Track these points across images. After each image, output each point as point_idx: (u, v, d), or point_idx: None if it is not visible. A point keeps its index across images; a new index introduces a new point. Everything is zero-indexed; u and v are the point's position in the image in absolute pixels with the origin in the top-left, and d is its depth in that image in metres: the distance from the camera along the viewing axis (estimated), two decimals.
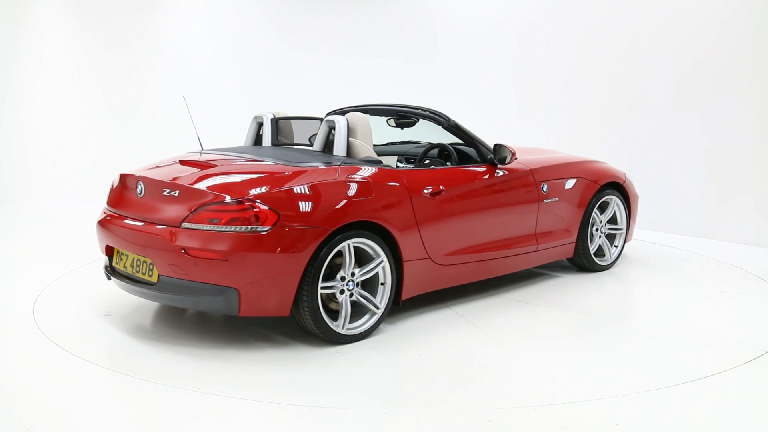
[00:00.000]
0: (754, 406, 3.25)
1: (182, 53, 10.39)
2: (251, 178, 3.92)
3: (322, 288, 3.81)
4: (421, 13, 9.12)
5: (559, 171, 5.20)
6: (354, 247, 3.94)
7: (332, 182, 3.91)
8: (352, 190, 3.95)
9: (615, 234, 5.61)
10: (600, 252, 5.52)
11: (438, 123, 4.76)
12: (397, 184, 4.17)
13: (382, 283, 4.08)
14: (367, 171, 4.12)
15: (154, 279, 3.86)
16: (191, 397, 3.29)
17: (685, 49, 6.84)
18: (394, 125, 5.11)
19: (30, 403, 3.25)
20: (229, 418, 3.09)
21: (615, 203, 5.51)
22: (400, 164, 5.27)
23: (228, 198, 3.69)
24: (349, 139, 4.28)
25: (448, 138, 5.07)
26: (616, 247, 5.61)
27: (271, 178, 3.87)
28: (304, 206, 3.76)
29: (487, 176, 4.72)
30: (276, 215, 3.67)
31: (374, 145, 5.69)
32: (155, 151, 8.09)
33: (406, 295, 4.25)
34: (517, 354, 3.86)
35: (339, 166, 4.08)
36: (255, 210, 3.65)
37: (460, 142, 4.99)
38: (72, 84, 9.57)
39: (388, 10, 9.38)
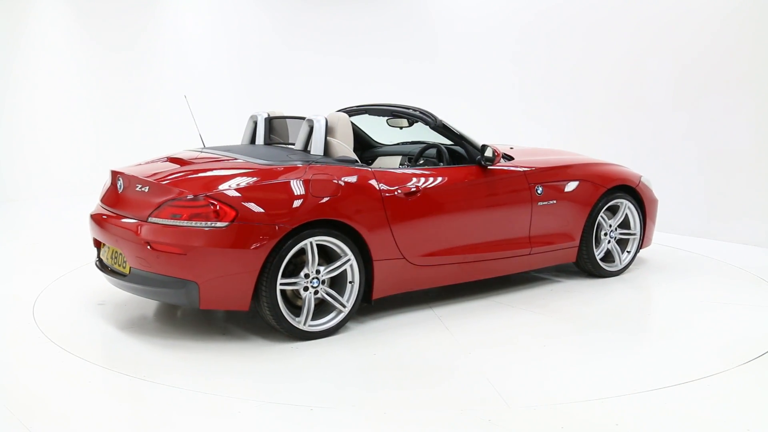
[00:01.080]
0: (754, 406, 3.25)
1: (182, 53, 10.39)
2: (216, 176, 4.05)
3: (284, 284, 3.90)
4: (421, 12, 9.13)
5: (558, 173, 5.07)
6: (321, 245, 4.01)
7: (293, 180, 3.99)
8: (317, 188, 4.01)
9: (628, 239, 5.43)
10: (609, 257, 5.35)
11: (426, 123, 4.75)
12: (369, 184, 4.19)
13: (350, 282, 4.12)
14: (336, 170, 4.16)
15: (127, 271, 4.04)
16: (191, 397, 3.29)
17: (684, 50, 6.84)
18: (394, 125, 5.11)
19: (30, 403, 3.25)
20: (228, 417, 3.09)
21: (626, 207, 5.31)
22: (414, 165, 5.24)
23: (190, 194, 3.85)
24: (328, 138, 4.34)
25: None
26: (628, 252, 5.42)
27: (235, 176, 4.00)
28: (263, 204, 3.86)
29: (472, 177, 4.65)
30: (234, 212, 3.79)
31: (385, 145, 5.71)
32: (155, 151, 8.07)
33: (378, 294, 4.26)
34: (472, 358, 3.79)
35: (308, 165, 4.13)
36: (214, 206, 3.79)
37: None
38: (72, 84, 9.57)
39: (388, 10, 9.39)
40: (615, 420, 3.06)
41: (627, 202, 5.31)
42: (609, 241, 5.30)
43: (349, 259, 4.07)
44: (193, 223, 3.77)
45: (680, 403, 3.23)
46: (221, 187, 3.88)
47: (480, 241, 4.66)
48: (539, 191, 4.89)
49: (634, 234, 5.41)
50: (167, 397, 3.31)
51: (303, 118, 4.88)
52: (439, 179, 4.53)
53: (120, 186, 4.27)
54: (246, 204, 3.82)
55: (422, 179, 4.45)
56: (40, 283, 5.19)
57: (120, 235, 4.04)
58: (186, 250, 3.75)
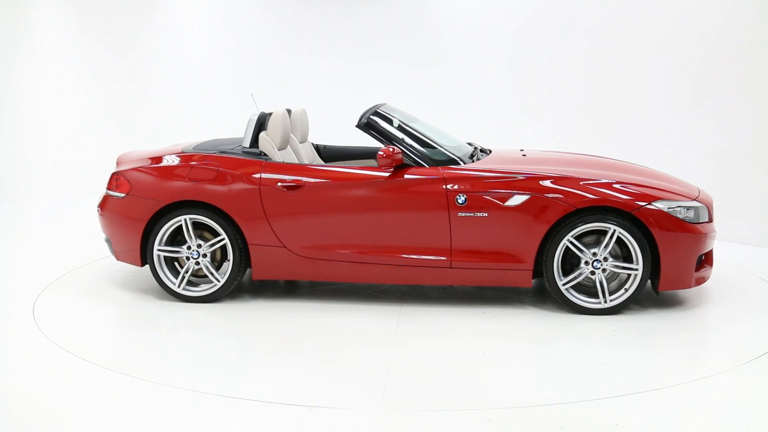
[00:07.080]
0: (754, 406, 3.25)
1: (183, 53, 10.38)
2: (144, 157, 4.96)
3: (163, 251, 4.69)
4: (424, 14, 9.12)
5: (497, 184, 4.44)
6: (202, 223, 4.67)
7: (178, 166, 4.76)
8: (195, 174, 4.67)
9: (630, 274, 4.44)
10: (593, 291, 4.49)
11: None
12: (250, 175, 4.62)
13: (228, 260, 4.67)
14: (223, 160, 4.71)
15: None
16: (191, 397, 3.29)
17: (685, 50, 6.84)
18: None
19: (30, 403, 3.25)
20: (229, 418, 3.10)
21: (614, 234, 4.33)
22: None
23: (115, 169, 4.96)
24: (261, 133, 4.88)
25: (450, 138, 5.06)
26: (625, 290, 4.44)
27: (153, 159, 4.88)
28: (148, 182, 4.76)
29: (373, 178, 4.51)
30: (129, 186, 4.78)
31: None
32: None
33: (259, 276, 4.69)
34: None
35: (207, 154, 4.78)
36: (119, 180, 4.86)
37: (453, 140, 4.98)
38: (72, 84, 9.56)
39: (390, 11, 9.38)
40: (615, 420, 3.06)
41: (617, 228, 4.32)
42: (594, 272, 4.43)
43: (223, 239, 4.63)
44: (111, 193, 4.88)
45: (680, 403, 3.23)
46: (131, 166, 4.88)
47: (380, 244, 4.53)
48: (461, 200, 4.43)
49: (635, 269, 4.39)
50: (167, 397, 3.31)
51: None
52: (327, 176, 4.59)
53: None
54: (139, 181, 4.77)
55: (309, 175, 4.60)
56: (40, 283, 5.19)
57: None
58: (102, 213, 4.92)
